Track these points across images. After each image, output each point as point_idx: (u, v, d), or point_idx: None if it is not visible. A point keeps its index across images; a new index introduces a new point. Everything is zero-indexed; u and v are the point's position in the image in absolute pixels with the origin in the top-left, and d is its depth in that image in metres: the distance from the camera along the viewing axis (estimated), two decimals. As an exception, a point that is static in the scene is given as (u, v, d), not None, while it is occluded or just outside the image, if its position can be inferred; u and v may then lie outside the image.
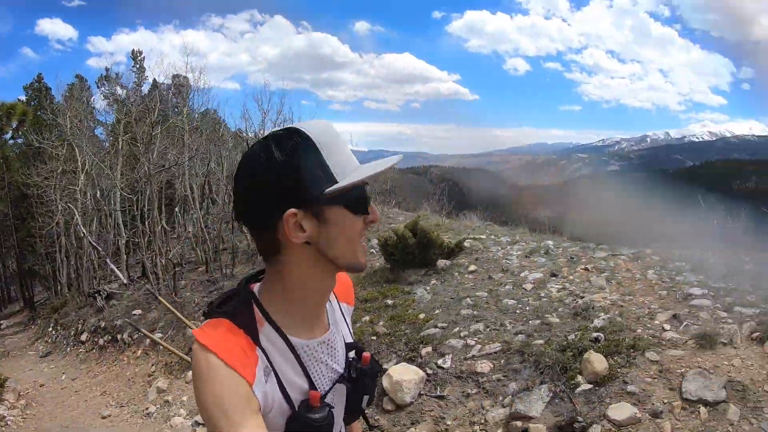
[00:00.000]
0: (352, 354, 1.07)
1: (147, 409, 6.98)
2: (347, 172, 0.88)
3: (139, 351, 8.89)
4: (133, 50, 23.06)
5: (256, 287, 0.97)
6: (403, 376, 4.29)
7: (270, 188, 0.86)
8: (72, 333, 11.54)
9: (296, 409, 0.91)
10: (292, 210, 0.85)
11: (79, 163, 14.90)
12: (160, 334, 8.78)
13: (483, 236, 7.85)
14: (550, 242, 6.94)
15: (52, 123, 16.44)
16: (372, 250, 7.79)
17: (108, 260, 13.28)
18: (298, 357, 0.94)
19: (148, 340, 8.61)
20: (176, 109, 17.06)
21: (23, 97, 21.87)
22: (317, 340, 0.98)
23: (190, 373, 7.05)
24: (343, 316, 1.12)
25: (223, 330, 0.87)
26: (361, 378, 1.05)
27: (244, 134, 13.26)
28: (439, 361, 4.49)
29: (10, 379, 8.69)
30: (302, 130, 0.88)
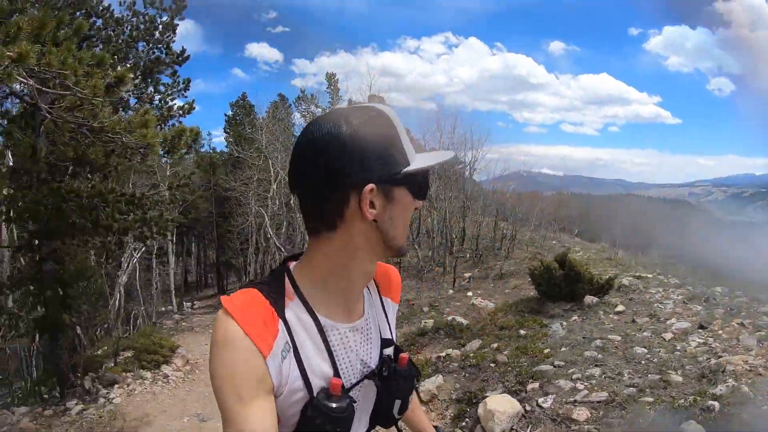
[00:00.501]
0: (389, 351, 1.02)
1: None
2: (414, 157, 0.88)
3: None
4: (327, 73, 25.37)
5: (293, 264, 0.94)
6: (498, 406, 4.24)
7: (349, 161, 0.82)
8: None
9: (314, 394, 0.85)
10: (371, 185, 0.82)
11: (272, 173, 16.98)
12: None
13: (650, 275, 7.16)
14: (719, 289, 6.28)
15: (251, 137, 18.99)
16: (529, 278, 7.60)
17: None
18: (325, 338, 0.89)
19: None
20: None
21: (229, 112, 25.80)
22: (349, 325, 0.93)
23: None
24: (384, 311, 1.06)
25: (248, 298, 0.85)
26: (395, 378, 0.98)
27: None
28: (540, 400, 4.32)
29: (182, 347, 10.42)
30: (381, 109, 0.87)
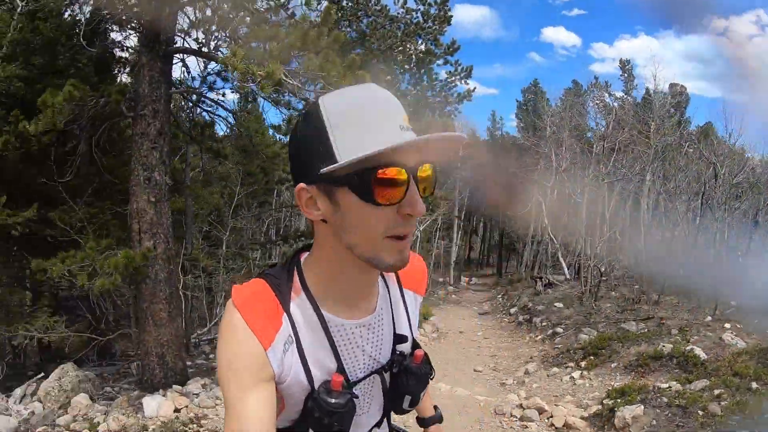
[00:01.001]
0: (404, 347, 0.98)
1: (504, 381, 7.54)
2: (360, 150, 0.73)
3: (539, 336, 9.87)
4: (621, 60, 23.46)
5: (304, 256, 0.93)
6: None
7: (292, 160, 0.84)
8: (509, 304, 13.57)
9: (315, 388, 0.86)
10: (301, 185, 0.81)
11: (553, 163, 16.51)
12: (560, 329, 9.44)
13: None
14: None
15: (538, 124, 18.72)
16: None
17: (559, 254, 14.49)
18: (329, 334, 0.88)
19: (552, 329, 9.47)
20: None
21: (520, 98, 26.04)
22: (355, 322, 0.90)
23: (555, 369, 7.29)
24: (404, 305, 1.01)
25: (256, 290, 0.86)
26: (405, 374, 0.95)
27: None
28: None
29: (436, 316, 11.23)
30: (318, 101, 0.81)
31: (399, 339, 0.96)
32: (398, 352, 0.96)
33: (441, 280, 21.66)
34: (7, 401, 4.75)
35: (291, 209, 12.41)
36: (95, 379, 5.85)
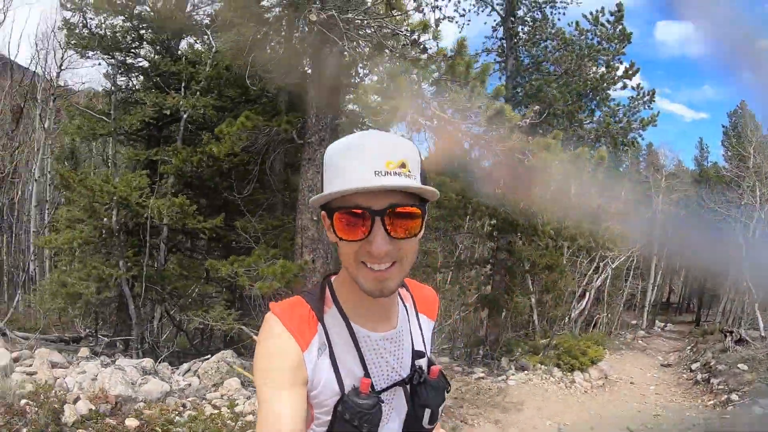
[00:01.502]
0: (422, 363, 1.07)
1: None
2: (328, 189, 0.89)
3: (711, 400, 8.73)
4: None
5: (334, 277, 1.06)
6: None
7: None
8: (693, 358, 12.08)
9: (345, 392, 0.95)
10: (323, 211, 0.93)
11: (757, 198, 13.85)
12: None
13: None
14: None
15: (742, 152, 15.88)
16: None
17: (756, 306, 12.17)
18: (357, 344, 0.98)
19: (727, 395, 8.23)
20: None
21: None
22: (380, 334, 1.01)
23: None
24: (420, 327, 1.13)
25: (292, 303, 0.99)
26: (424, 387, 1.04)
27: None
28: None
29: (607, 362, 10.28)
30: (330, 146, 0.94)
31: (417, 354, 1.06)
32: (417, 367, 1.05)
33: (633, 322, 19.61)
34: (173, 373, 5.81)
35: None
36: (249, 368, 6.74)
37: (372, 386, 0.96)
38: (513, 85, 11.52)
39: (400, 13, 5.41)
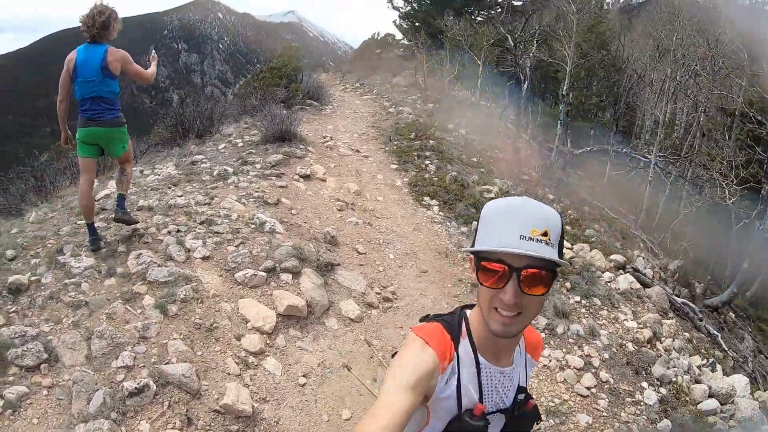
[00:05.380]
0: (521, 396, 1.31)
1: None
2: (479, 244, 1.14)
3: None
4: None
5: (469, 311, 1.30)
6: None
7: None
8: None
9: (461, 412, 1.20)
10: (470, 255, 1.19)
11: None
12: None
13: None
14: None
15: None
16: None
17: None
18: (479, 374, 1.23)
19: None
20: None
21: None
22: (499, 368, 1.26)
23: None
24: (525, 365, 1.37)
25: (434, 328, 1.24)
26: (521, 418, 1.30)
27: None
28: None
29: None
30: (507, 200, 1.16)
31: (521, 389, 1.32)
32: (519, 399, 1.30)
33: None
34: None
35: None
36: None
37: (483, 411, 1.20)
38: None
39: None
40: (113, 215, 4.49)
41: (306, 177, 7.20)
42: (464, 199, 7.83)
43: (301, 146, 8.32)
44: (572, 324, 5.28)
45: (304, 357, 4.10)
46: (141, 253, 4.37)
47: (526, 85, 14.84)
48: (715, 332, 7.19)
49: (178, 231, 4.90)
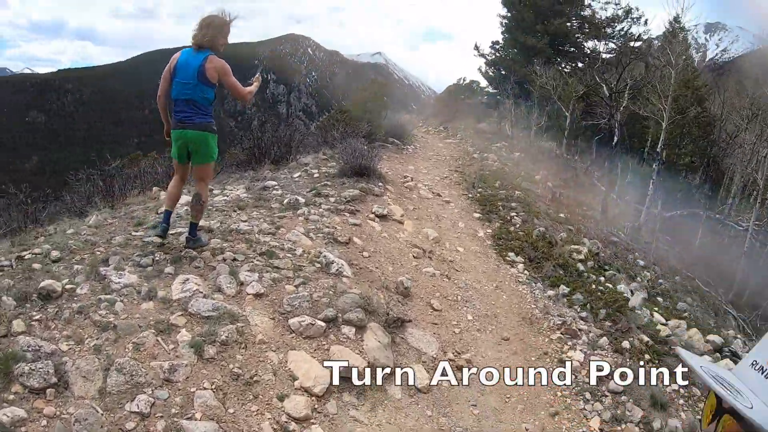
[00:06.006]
0: None
1: None
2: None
3: None
4: None
5: None
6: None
7: None
8: None
9: None
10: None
11: None
12: None
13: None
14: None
15: None
16: None
17: None
18: None
19: None
20: None
21: None
22: None
23: None
24: None
25: None
26: None
27: None
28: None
29: None
30: None
31: None
32: None
33: None
34: None
35: None
36: None
37: None
38: None
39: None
40: (185, 242, 4.34)
41: (382, 217, 6.55)
42: (552, 259, 6.84)
43: (380, 184, 7.71)
44: (670, 418, 4.27)
45: (357, 430, 3.31)
46: (188, 279, 3.81)
47: (616, 140, 13.71)
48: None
49: (234, 260, 4.34)
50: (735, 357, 5.86)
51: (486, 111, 19.29)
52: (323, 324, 3.80)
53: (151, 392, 2.86)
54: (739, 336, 7.62)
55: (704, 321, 7.95)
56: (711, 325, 7.92)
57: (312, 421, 3.22)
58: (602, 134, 16.87)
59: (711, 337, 5.99)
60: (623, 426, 4.09)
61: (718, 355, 5.76)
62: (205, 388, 3.01)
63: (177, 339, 3.25)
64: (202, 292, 3.72)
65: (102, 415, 2.68)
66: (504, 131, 15.74)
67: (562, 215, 9.38)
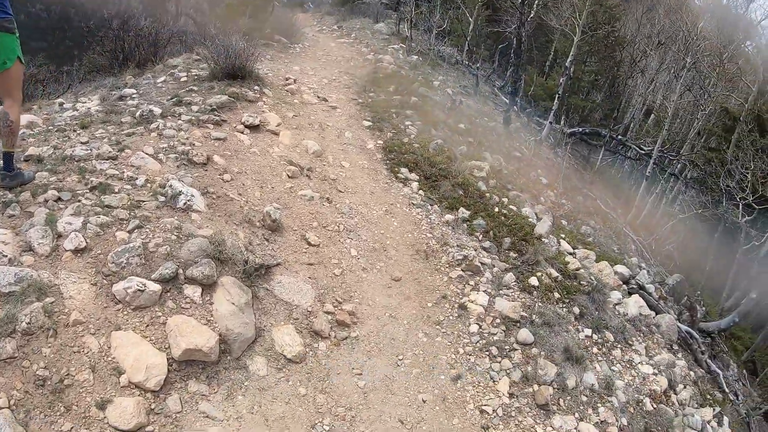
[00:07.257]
0: None
1: None
2: None
3: None
4: None
5: None
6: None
7: None
8: None
9: None
10: None
11: None
12: None
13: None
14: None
15: None
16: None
17: None
18: None
19: None
20: None
21: None
22: None
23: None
24: None
25: None
26: None
27: None
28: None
29: None
30: None
31: None
32: None
33: None
34: None
35: None
36: None
37: None
38: None
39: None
40: None
41: (254, 128, 5.48)
42: (450, 177, 6.28)
43: (256, 87, 6.52)
44: (585, 372, 3.99)
45: (210, 431, 2.63)
46: (-9, 235, 2.74)
47: (521, 50, 13.27)
48: (717, 370, 6.16)
49: (59, 200, 3.28)
50: (642, 290, 5.80)
51: (385, 12, 17.88)
52: (158, 287, 2.94)
53: None
54: (642, 265, 7.82)
55: (608, 246, 8.05)
56: (615, 251, 8.06)
57: (148, 428, 2.48)
58: (506, 43, 16.42)
59: (618, 268, 5.91)
60: (535, 387, 3.69)
61: (625, 287, 5.68)
62: (-1, 408, 2.14)
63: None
64: (6, 255, 2.71)
65: None
66: (402, 33, 14.64)
67: (462, 126, 8.84)
